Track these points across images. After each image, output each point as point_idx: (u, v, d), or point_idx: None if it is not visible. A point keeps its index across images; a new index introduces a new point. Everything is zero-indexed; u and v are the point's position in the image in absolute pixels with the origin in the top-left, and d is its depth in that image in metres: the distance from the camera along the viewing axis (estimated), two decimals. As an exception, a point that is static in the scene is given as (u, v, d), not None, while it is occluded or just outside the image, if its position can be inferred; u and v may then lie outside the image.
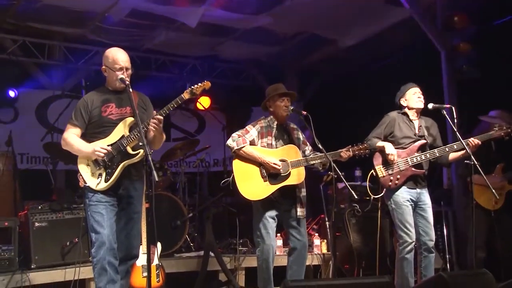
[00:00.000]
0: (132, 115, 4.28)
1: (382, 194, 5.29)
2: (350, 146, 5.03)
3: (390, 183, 5.22)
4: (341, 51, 8.89)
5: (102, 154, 4.23)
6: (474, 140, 5.11)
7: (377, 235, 6.50)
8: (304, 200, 5.11)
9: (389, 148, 5.22)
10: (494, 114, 6.05)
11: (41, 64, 8.78)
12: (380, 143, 5.29)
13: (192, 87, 4.35)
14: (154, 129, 4.27)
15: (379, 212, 6.19)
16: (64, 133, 4.42)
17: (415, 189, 5.25)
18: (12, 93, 8.22)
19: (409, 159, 5.22)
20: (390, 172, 5.23)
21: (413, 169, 5.22)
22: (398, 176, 5.20)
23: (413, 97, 5.34)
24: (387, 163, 5.24)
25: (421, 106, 5.33)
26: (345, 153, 4.99)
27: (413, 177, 5.24)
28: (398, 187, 5.21)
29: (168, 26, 8.05)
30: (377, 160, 5.31)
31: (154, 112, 4.31)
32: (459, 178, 6.81)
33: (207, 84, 4.39)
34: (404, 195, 5.22)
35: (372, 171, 5.31)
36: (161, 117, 4.28)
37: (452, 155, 5.32)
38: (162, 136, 4.46)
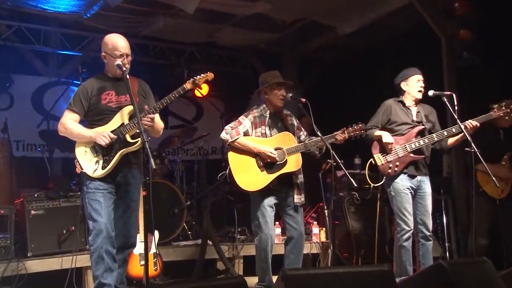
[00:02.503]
0: (131, 103, 4.25)
1: (382, 182, 5.28)
2: (344, 128, 5.00)
3: (389, 171, 5.21)
4: (341, 38, 8.84)
5: (107, 141, 4.21)
6: (471, 122, 5.08)
7: (376, 223, 6.50)
8: (302, 186, 5.10)
9: (386, 137, 5.21)
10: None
11: (37, 51, 8.72)
12: (377, 133, 5.28)
13: (195, 77, 4.33)
14: (148, 127, 4.25)
15: (379, 200, 6.18)
16: (61, 118, 4.39)
17: (415, 176, 5.24)
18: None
19: (407, 145, 5.20)
20: (389, 159, 5.22)
21: (412, 155, 5.21)
22: (397, 163, 5.19)
23: (415, 85, 5.31)
24: (385, 151, 5.23)
25: (420, 97, 5.31)
26: (340, 135, 4.96)
27: (413, 163, 5.23)
28: (397, 174, 5.20)
29: (165, 13, 7.98)
30: (376, 149, 5.31)
31: (146, 107, 4.26)
32: (466, 167, 6.79)
33: (210, 75, 4.38)
34: (404, 182, 5.21)
35: (371, 159, 5.30)
36: (153, 116, 4.25)
37: (451, 140, 5.31)
38: (158, 125, 4.45)
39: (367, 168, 5.35)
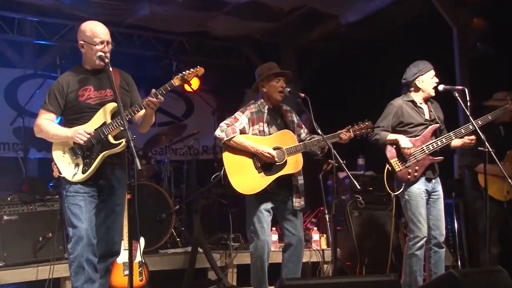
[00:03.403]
0: (113, 98, 4.23)
1: (402, 189, 5.22)
2: (350, 126, 4.98)
3: (409, 176, 5.19)
4: (343, 27, 8.84)
5: (85, 138, 4.19)
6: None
7: (382, 229, 6.51)
8: (301, 189, 5.09)
9: (404, 141, 5.18)
10: (500, 96, 6.04)
11: (11, 40, 8.68)
12: (391, 136, 5.25)
13: (184, 72, 4.30)
14: (149, 108, 4.22)
15: (394, 207, 6.13)
16: (37, 119, 4.38)
17: (432, 179, 5.25)
18: None
19: (425, 147, 5.20)
20: (407, 164, 5.20)
21: (430, 157, 5.21)
22: (416, 168, 5.18)
23: (431, 81, 5.28)
24: (401, 155, 5.21)
25: (434, 94, 5.31)
26: (345, 134, 4.93)
27: (430, 166, 5.23)
28: (417, 179, 5.19)
29: (152, -1, 7.98)
30: (391, 153, 5.27)
31: (153, 90, 4.25)
32: (467, 169, 6.81)
33: (200, 70, 4.35)
34: (420, 186, 5.21)
35: (388, 166, 5.26)
36: (162, 99, 4.23)
37: (454, 143, 5.30)
38: (152, 117, 4.43)
39: (385, 175, 5.27)
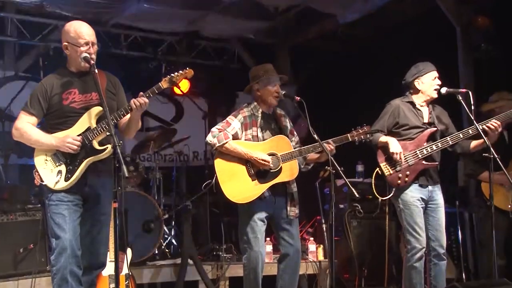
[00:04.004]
0: (99, 102, 4.23)
1: (391, 195, 5.24)
2: (348, 133, 4.99)
3: (399, 181, 5.18)
4: (341, 27, 8.87)
5: (75, 147, 4.18)
6: (493, 123, 5.06)
7: (382, 239, 6.52)
8: (296, 196, 5.10)
9: (393, 145, 5.16)
10: (494, 98, 6.09)
11: (-11, 41, 8.68)
12: (383, 138, 5.25)
13: (172, 74, 4.30)
14: (135, 111, 4.22)
15: (387, 214, 6.17)
16: (16, 121, 4.35)
17: (427, 186, 5.24)
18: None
19: (418, 152, 5.19)
20: (397, 169, 5.20)
21: (424, 162, 5.20)
22: (408, 172, 5.18)
23: (432, 83, 5.28)
24: (392, 159, 5.22)
25: (436, 96, 5.30)
26: (329, 145, 4.90)
27: (425, 171, 5.23)
28: (408, 185, 5.20)
29: (139, -3, 7.99)
30: (381, 157, 5.28)
31: (141, 93, 4.25)
32: (468, 176, 6.82)
33: (189, 72, 4.35)
34: (414, 193, 5.20)
35: (377, 169, 5.27)
36: (147, 101, 4.22)
37: (474, 143, 5.28)
38: (139, 122, 4.42)
39: (373, 178, 5.31)
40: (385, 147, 5.24)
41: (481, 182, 5.94)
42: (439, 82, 5.29)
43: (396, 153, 5.13)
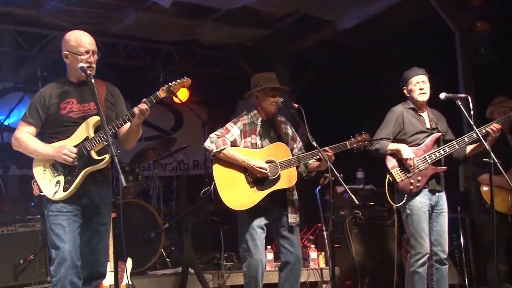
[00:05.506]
0: (97, 112, 4.22)
1: (404, 201, 5.23)
2: (346, 140, 5.00)
3: (411, 187, 5.20)
4: (339, 34, 8.88)
5: (71, 160, 4.17)
6: (494, 126, 5.11)
7: (384, 246, 6.51)
8: (296, 204, 5.10)
9: (406, 151, 5.19)
10: (497, 101, 6.17)
11: (-12, 51, 8.69)
12: (392, 146, 5.28)
13: (170, 83, 4.28)
14: (140, 117, 4.20)
15: (396, 221, 6.12)
16: (15, 131, 4.36)
17: (435, 192, 5.26)
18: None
19: (427, 157, 5.22)
20: (409, 174, 5.21)
21: (433, 167, 5.22)
22: (419, 178, 5.19)
23: (414, 89, 5.32)
24: (403, 164, 5.22)
25: (425, 98, 5.32)
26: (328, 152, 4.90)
27: (434, 176, 5.24)
28: (420, 191, 5.21)
29: (138, 6, 8.01)
30: (391, 163, 5.29)
31: (144, 99, 4.24)
32: (469, 181, 6.82)
33: (187, 81, 4.34)
34: (423, 199, 5.21)
35: (388, 176, 5.27)
36: (148, 107, 4.21)
37: (469, 148, 5.32)
38: (139, 131, 4.41)
39: (386, 186, 5.29)
40: (395, 154, 5.26)
41: (480, 186, 5.95)
42: (423, 86, 5.30)
43: (410, 159, 5.16)
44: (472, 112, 5.04)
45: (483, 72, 7.27)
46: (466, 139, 5.21)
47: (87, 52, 4.29)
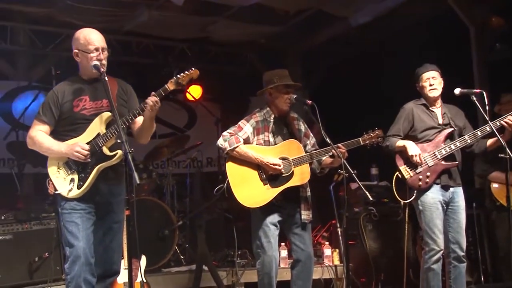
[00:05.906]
0: (110, 109, 4.23)
1: (413, 197, 5.22)
2: (359, 136, 4.97)
3: (420, 183, 5.18)
4: (353, 30, 8.85)
5: (84, 156, 4.18)
6: (510, 119, 5.05)
7: (398, 243, 6.47)
8: (309, 201, 5.09)
9: (411, 148, 5.17)
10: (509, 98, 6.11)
11: (3, 50, 8.74)
12: (400, 143, 5.26)
13: (178, 76, 4.29)
14: (150, 109, 4.20)
15: (406, 216, 6.10)
16: (30, 130, 4.38)
17: (448, 188, 5.21)
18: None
19: (437, 152, 5.19)
20: (417, 170, 5.18)
21: (443, 162, 5.19)
22: (428, 174, 5.16)
23: (425, 85, 5.31)
24: (411, 162, 5.20)
25: (435, 94, 5.30)
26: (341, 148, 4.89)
27: (446, 172, 5.20)
28: (429, 186, 5.17)
29: (151, 4, 8.02)
30: (400, 160, 5.28)
31: (153, 93, 4.24)
32: (479, 177, 6.75)
33: (195, 72, 4.34)
34: (435, 195, 5.18)
35: (397, 173, 5.26)
36: (157, 99, 4.21)
37: (491, 141, 5.26)
38: (152, 125, 4.40)
39: (394, 182, 5.28)
40: (403, 151, 5.23)
41: (490, 183, 5.89)
42: (433, 82, 5.28)
43: (415, 155, 5.14)
44: (487, 108, 5.01)
45: (498, 67, 7.22)
46: (479, 133, 5.16)
47: (97, 49, 4.29)
